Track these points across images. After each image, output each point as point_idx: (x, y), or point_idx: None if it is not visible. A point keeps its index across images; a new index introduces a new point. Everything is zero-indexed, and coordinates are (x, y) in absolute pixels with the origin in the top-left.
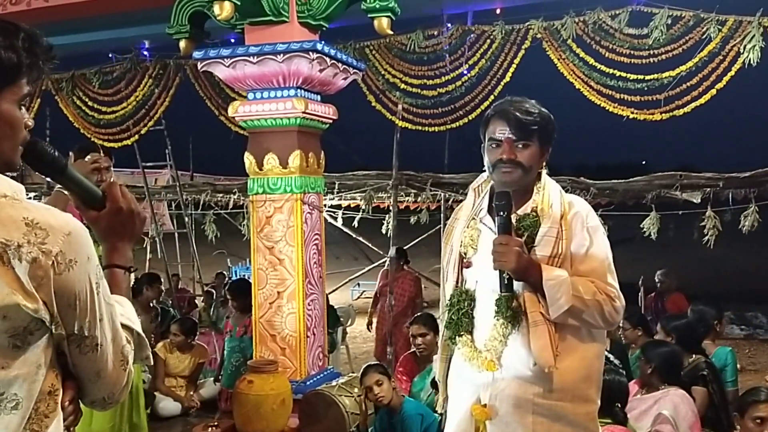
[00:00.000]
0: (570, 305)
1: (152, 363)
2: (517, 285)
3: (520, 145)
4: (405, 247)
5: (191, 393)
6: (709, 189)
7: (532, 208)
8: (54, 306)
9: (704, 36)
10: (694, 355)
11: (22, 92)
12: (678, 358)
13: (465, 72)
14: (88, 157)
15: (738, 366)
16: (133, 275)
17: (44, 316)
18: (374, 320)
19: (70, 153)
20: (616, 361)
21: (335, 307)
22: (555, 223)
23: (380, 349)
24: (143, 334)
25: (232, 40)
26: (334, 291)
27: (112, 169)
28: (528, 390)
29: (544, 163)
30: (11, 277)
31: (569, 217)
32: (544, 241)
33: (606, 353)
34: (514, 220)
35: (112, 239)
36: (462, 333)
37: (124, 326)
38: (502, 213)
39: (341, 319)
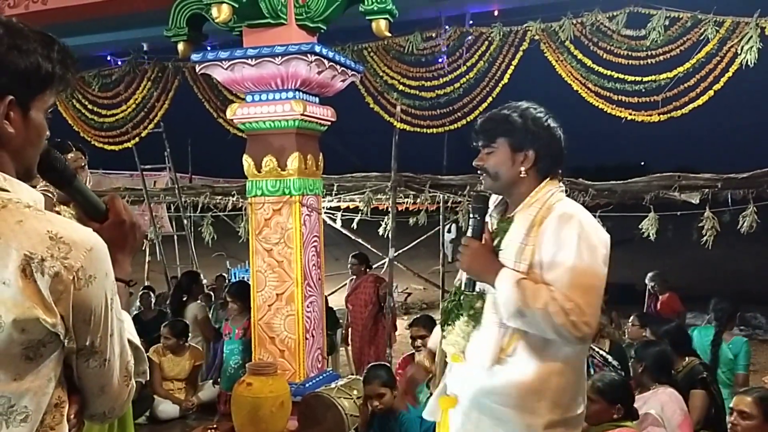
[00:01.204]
0: (514, 311)
1: (149, 377)
2: (488, 286)
3: (486, 152)
4: (404, 249)
5: (191, 396)
6: (707, 190)
7: (515, 213)
8: (70, 320)
9: (702, 37)
10: (687, 358)
11: (50, 102)
12: (669, 357)
13: (463, 73)
14: (71, 155)
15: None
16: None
17: (60, 330)
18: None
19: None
20: (615, 362)
21: (334, 309)
22: (522, 229)
23: (357, 359)
24: (141, 348)
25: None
26: (333, 293)
27: (87, 168)
28: (478, 387)
29: (528, 166)
30: (33, 290)
31: (544, 224)
32: (510, 246)
33: (605, 354)
34: (495, 223)
35: (112, 252)
36: (449, 323)
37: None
38: (475, 216)
39: (340, 321)
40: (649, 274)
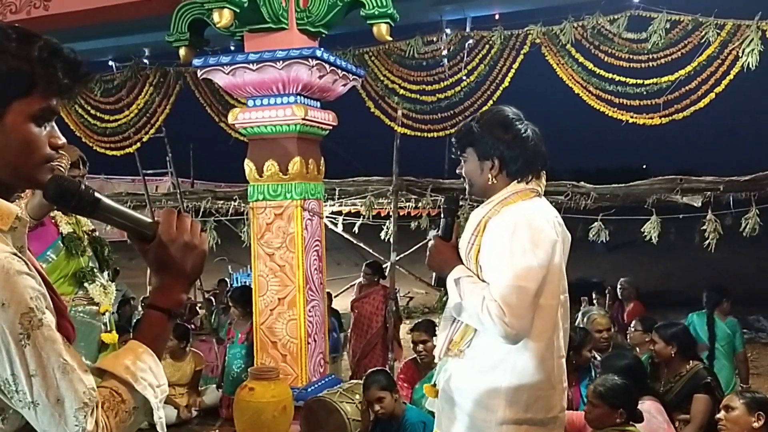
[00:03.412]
0: (454, 305)
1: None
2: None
3: (462, 160)
4: (406, 253)
5: (194, 400)
6: (709, 192)
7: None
8: None
9: (703, 40)
10: (692, 362)
11: (37, 107)
12: (641, 367)
13: (463, 77)
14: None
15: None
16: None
17: None
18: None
19: None
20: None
21: (340, 312)
22: (470, 230)
23: (353, 368)
24: (153, 399)
25: (232, 47)
26: (339, 294)
27: (86, 176)
28: (448, 378)
29: (496, 173)
30: None
31: (488, 226)
32: (461, 246)
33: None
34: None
35: (160, 275)
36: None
37: (125, 383)
38: (446, 217)
39: (342, 325)
40: (621, 280)
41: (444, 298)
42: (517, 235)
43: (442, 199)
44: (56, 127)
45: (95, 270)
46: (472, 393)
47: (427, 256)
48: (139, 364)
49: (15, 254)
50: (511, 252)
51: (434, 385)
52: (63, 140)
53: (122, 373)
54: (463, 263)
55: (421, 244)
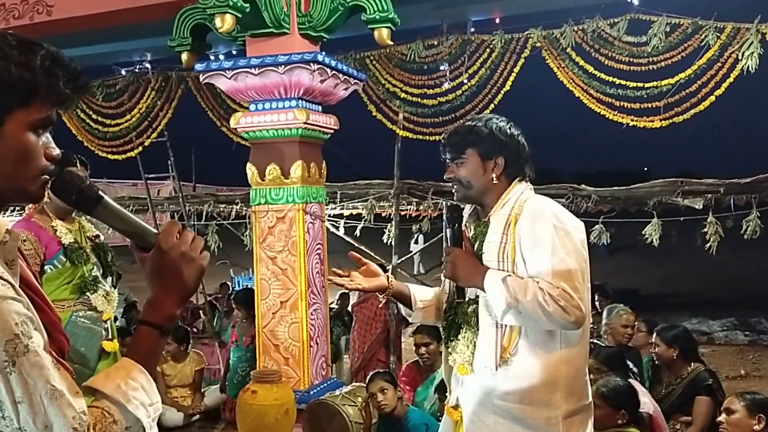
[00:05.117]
0: (505, 308)
1: None
2: (477, 290)
3: (456, 163)
4: (407, 256)
5: (198, 399)
6: (710, 195)
7: (489, 216)
8: None
9: (703, 43)
10: (693, 364)
11: (37, 116)
12: (621, 356)
13: (465, 81)
14: (75, 168)
15: (743, 371)
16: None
17: None
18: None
19: None
20: (634, 368)
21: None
22: (499, 229)
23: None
24: (145, 419)
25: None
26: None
27: (87, 178)
28: (489, 391)
29: (499, 172)
30: None
31: (519, 222)
32: (490, 247)
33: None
34: (472, 229)
35: (154, 287)
36: (452, 337)
37: (116, 404)
38: (452, 226)
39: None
40: None
41: (470, 308)
42: (558, 222)
43: (445, 203)
44: (51, 138)
45: (98, 278)
46: (528, 396)
47: (448, 268)
48: (130, 383)
49: (0, 277)
50: (558, 239)
51: (455, 407)
52: (58, 151)
53: (113, 393)
54: (488, 267)
55: (422, 247)
